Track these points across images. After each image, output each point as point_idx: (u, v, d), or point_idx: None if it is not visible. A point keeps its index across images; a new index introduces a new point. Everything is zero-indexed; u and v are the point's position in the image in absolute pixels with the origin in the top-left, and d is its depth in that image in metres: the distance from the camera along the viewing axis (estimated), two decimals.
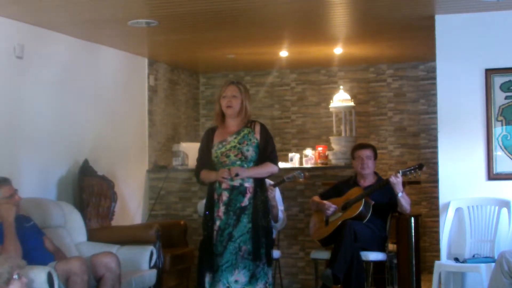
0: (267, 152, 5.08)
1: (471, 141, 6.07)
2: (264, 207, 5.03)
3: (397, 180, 5.88)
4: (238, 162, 5.01)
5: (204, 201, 6.36)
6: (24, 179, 5.97)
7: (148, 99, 8.22)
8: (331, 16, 6.36)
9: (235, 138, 5.06)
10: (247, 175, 5.00)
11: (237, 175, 4.95)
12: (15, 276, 3.65)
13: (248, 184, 5.01)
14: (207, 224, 5.04)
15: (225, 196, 5.01)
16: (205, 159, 5.15)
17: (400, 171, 5.95)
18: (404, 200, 5.92)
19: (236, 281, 4.91)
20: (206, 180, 5.13)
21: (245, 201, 4.99)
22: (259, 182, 5.06)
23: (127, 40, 7.19)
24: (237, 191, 4.99)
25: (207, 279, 4.98)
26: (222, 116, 5.15)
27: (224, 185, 5.01)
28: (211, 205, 5.05)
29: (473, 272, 5.83)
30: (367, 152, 6.20)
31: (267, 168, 5.07)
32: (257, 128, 5.11)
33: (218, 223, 4.98)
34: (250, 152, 5.03)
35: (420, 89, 8.92)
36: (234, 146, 5.04)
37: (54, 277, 4.70)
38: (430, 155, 8.64)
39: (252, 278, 4.94)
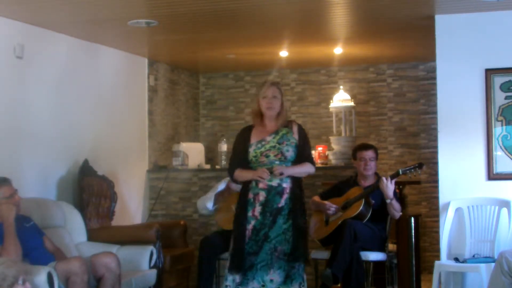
0: (306, 152, 5.10)
1: (471, 141, 6.06)
2: (301, 207, 5.04)
3: (386, 185, 5.87)
4: (277, 162, 5.00)
5: (203, 197, 6.48)
6: (24, 179, 5.97)
7: (148, 99, 8.22)
8: (331, 16, 6.36)
9: (274, 137, 5.05)
10: (290, 173, 4.99)
11: (281, 174, 4.95)
12: (20, 281, 3.64)
13: (286, 185, 5.00)
14: (241, 224, 5.00)
15: (262, 196, 4.99)
16: (241, 158, 5.11)
17: (400, 171, 5.95)
18: (392, 207, 5.92)
19: (271, 281, 4.94)
20: (241, 179, 5.10)
21: (282, 202, 4.98)
22: (297, 182, 5.06)
23: (127, 40, 7.19)
24: (274, 192, 4.98)
25: (231, 277, 4.96)
26: (260, 116, 5.13)
27: (261, 185, 4.99)
28: (244, 204, 5.02)
29: (473, 272, 5.83)
30: (370, 153, 6.20)
31: (307, 168, 5.08)
32: (295, 128, 5.13)
33: (253, 222, 4.97)
34: (290, 153, 5.03)
35: (420, 89, 8.91)
36: (274, 146, 5.03)
37: (54, 277, 4.70)
38: (430, 155, 8.63)
39: (287, 279, 4.96)
